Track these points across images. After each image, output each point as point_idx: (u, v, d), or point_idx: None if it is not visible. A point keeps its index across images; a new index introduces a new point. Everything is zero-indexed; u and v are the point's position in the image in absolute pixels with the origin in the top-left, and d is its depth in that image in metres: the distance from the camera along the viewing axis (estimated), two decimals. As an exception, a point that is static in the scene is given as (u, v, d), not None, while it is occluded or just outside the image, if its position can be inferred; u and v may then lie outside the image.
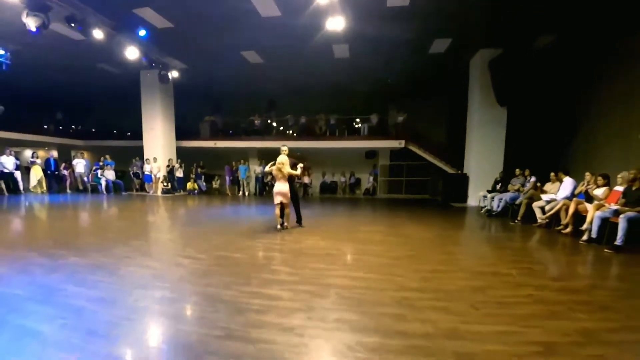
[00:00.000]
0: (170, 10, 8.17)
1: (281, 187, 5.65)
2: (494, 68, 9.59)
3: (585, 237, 4.88)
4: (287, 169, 5.67)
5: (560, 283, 3.24)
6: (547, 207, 6.00)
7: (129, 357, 2.00)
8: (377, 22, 8.54)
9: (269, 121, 15.37)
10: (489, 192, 8.49)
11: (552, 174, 6.48)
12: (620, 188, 4.93)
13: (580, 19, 7.57)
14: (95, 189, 12.34)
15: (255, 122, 15.12)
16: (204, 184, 14.03)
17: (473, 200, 10.26)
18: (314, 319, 2.48)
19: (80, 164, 12.14)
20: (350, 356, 1.99)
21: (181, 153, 14.27)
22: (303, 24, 8.60)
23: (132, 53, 8.88)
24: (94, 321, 2.42)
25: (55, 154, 12.67)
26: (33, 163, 11.10)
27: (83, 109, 16.21)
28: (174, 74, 11.07)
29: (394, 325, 2.38)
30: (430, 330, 2.30)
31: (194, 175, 13.60)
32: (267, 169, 5.95)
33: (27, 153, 11.90)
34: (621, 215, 4.41)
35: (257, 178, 14.00)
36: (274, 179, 5.88)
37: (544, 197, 6.28)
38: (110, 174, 12.50)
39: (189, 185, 13.33)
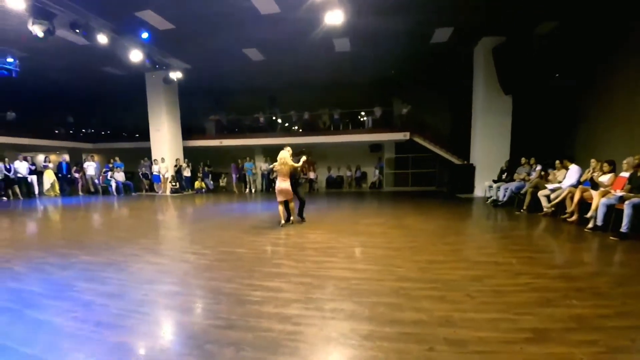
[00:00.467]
0: (170, 12, 8.27)
1: (282, 185, 5.71)
2: (497, 56, 9.43)
3: (590, 225, 4.82)
4: (289, 162, 5.72)
5: (559, 271, 3.25)
6: (552, 196, 5.93)
7: (135, 346, 2.11)
8: (377, 13, 8.47)
9: (273, 118, 15.45)
10: (494, 182, 8.42)
11: (558, 161, 6.38)
12: (626, 174, 4.84)
13: (583, 4, 7.37)
14: (106, 191, 12.68)
15: (260, 119, 15.24)
16: (212, 182, 14.24)
17: (480, 190, 10.18)
18: (311, 308, 2.56)
19: (90, 167, 12.48)
20: (343, 343, 2.06)
21: (188, 152, 14.51)
22: (302, 19, 8.60)
23: (135, 56, 9.03)
24: (102, 314, 2.57)
25: (67, 157, 13.01)
26: (46, 167, 11.47)
27: (91, 112, 16.57)
28: (177, 75, 11.22)
29: (388, 314, 2.44)
30: (424, 318, 2.35)
31: (201, 174, 13.82)
32: (272, 166, 6.06)
33: (40, 158, 12.27)
34: (626, 202, 4.35)
35: (263, 174, 14.14)
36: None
37: (549, 185, 6.19)
38: (119, 176, 12.82)
39: (197, 184, 13.56)
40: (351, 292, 2.87)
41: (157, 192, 12.88)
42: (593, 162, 5.55)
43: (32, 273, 3.56)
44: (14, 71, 8.70)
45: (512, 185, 7.35)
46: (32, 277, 3.44)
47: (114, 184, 12.51)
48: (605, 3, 7.17)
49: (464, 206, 8.49)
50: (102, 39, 7.71)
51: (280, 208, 5.84)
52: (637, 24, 7.22)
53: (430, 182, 14.70)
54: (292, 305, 2.62)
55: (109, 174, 12.61)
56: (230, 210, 8.60)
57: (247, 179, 13.77)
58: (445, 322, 2.29)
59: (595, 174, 5.32)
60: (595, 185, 5.26)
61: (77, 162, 13.23)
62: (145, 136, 13.52)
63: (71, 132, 15.17)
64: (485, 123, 10.39)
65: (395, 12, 8.38)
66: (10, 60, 8.71)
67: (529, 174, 7.30)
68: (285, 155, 5.74)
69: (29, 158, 11.46)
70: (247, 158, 14.02)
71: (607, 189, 4.87)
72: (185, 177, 13.36)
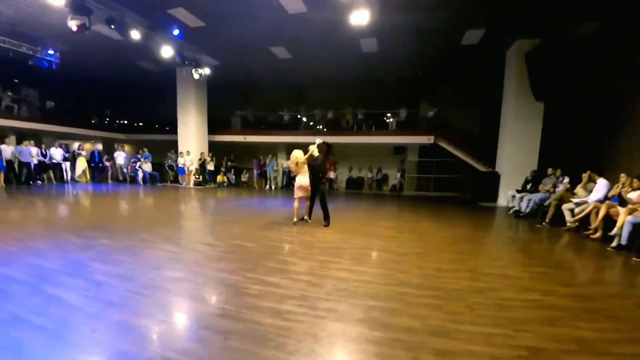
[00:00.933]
0: (201, 9, 8.58)
1: (301, 181, 5.65)
2: (531, 60, 8.95)
3: (614, 244, 4.49)
4: (301, 159, 5.60)
5: (572, 289, 3.05)
6: (576, 210, 5.56)
7: (135, 324, 2.25)
8: (405, 13, 8.31)
9: (298, 116, 15.59)
10: (518, 192, 8.03)
11: (585, 174, 5.97)
12: (659, 192, 4.47)
13: (628, 3, 6.80)
14: (133, 180, 13.39)
15: (284, 116, 15.44)
16: (233, 177, 14.62)
17: (503, 200, 9.74)
18: (304, 306, 2.59)
19: (120, 156, 13.23)
20: (329, 343, 2.07)
21: (213, 146, 14.97)
22: (329, 18, 8.62)
23: (167, 52, 9.44)
24: (112, 294, 2.75)
25: (99, 146, 13.87)
26: (79, 155, 12.29)
27: (125, 104, 17.51)
28: (206, 71, 11.60)
29: (381, 318, 2.42)
30: (417, 325, 2.31)
31: (224, 169, 14.23)
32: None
33: (75, 145, 13.16)
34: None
35: (284, 172, 14.33)
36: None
37: (575, 199, 5.82)
38: (147, 166, 13.48)
39: (219, 178, 13.97)
40: (348, 293, 2.87)
41: (181, 184, 13.42)
42: (623, 177, 5.14)
43: (54, 251, 3.85)
44: (54, 63, 9.38)
45: (536, 197, 6.97)
46: (53, 255, 3.73)
47: (140, 174, 13.18)
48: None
49: (484, 215, 8.16)
50: (135, 34, 8.13)
51: (296, 205, 5.83)
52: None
53: (453, 188, 14.24)
54: (287, 302, 2.66)
55: (137, 164, 13.30)
56: (248, 205, 8.81)
57: (268, 175, 14.02)
58: (438, 331, 2.23)
59: (624, 190, 4.93)
60: (623, 201, 4.87)
61: (108, 151, 14.05)
62: (174, 129, 14.12)
63: (106, 122, 16.13)
64: (513, 130, 9.92)
65: (425, 12, 8.18)
66: (51, 52, 9.38)
67: (554, 186, 6.89)
68: (296, 154, 5.66)
69: (63, 145, 12.32)
70: (270, 156, 14.25)
71: (635, 207, 4.51)
72: (209, 170, 13.81)
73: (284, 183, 14.35)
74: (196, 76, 11.15)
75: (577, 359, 1.93)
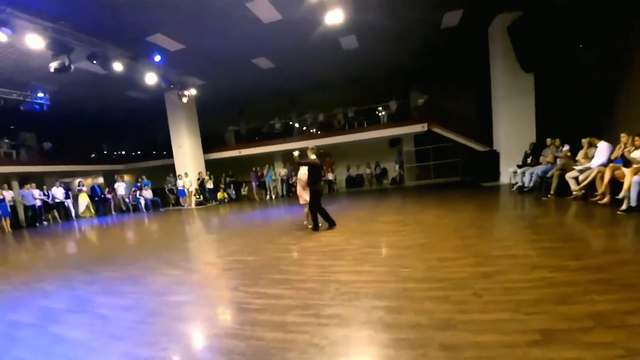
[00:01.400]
0: (179, 33, 8.63)
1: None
2: (513, 33, 8.84)
3: (624, 206, 4.34)
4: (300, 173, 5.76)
5: (583, 262, 2.94)
6: (581, 177, 5.42)
7: (138, 355, 2.22)
8: (378, 6, 8.28)
9: (289, 123, 15.58)
10: (519, 167, 7.88)
11: (585, 139, 5.83)
12: (664, 147, 4.33)
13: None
14: (136, 208, 13.46)
15: (276, 125, 15.43)
16: (233, 191, 14.62)
17: (506, 177, 9.59)
18: (308, 315, 2.52)
19: (121, 187, 13.32)
20: (331, 351, 2.00)
21: (210, 164, 15.00)
22: (305, 23, 8.63)
23: (151, 78, 9.49)
24: (115, 326, 2.74)
25: (100, 180, 13.96)
26: (80, 191, 12.39)
27: (121, 135, 17.66)
28: (192, 92, 11.64)
29: (386, 318, 2.35)
30: (423, 321, 2.23)
31: (223, 185, 14.23)
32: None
33: (76, 182, 13.25)
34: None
35: (282, 180, 14.30)
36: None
37: (578, 166, 5.68)
38: (147, 193, 13.56)
39: (219, 194, 13.98)
40: (351, 296, 2.79)
41: (183, 206, 13.44)
42: (623, 136, 4.98)
43: (61, 290, 3.85)
44: (45, 105, 9.49)
45: (538, 169, 6.83)
46: (60, 293, 3.72)
47: (142, 202, 13.25)
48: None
49: (487, 195, 8.04)
50: (118, 66, 8.17)
51: (306, 210, 5.90)
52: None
53: (455, 172, 14.09)
54: (290, 313, 2.59)
55: (138, 192, 13.36)
56: (248, 219, 8.77)
57: (267, 186, 13.99)
58: (444, 325, 2.15)
59: (627, 150, 4.78)
60: (627, 162, 4.73)
61: (109, 183, 14.15)
62: (170, 153, 14.18)
63: (104, 154, 16.27)
64: (506, 105, 9.80)
65: (398, 2, 8.15)
66: (40, 95, 9.49)
67: (555, 156, 6.75)
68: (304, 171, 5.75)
69: (63, 184, 12.44)
70: (267, 166, 14.24)
71: (640, 166, 4.38)
72: (209, 188, 13.84)
73: (284, 191, 14.31)
74: (184, 100, 11.19)
75: (595, 337, 1.82)
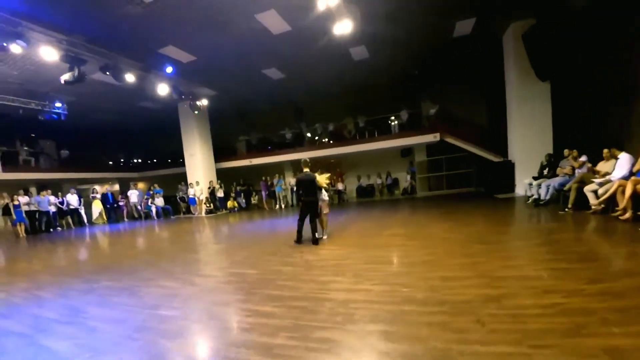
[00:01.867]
0: (190, 44, 8.82)
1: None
2: (528, 41, 8.58)
3: (648, 224, 4.01)
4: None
5: (601, 285, 2.67)
6: (600, 191, 5.07)
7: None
8: (388, 16, 8.23)
9: (299, 132, 15.61)
10: (534, 178, 7.52)
11: (606, 150, 5.48)
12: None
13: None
14: (148, 216, 13.69)
15: (286, 135, 15.50)
16: (244, 200, 14.66)
17: (521, 189, 9.19)
18: (296, 338, 2.37)
19: (134, 195, 13.59)
20: (315, 383, 1.84)
21: (221, 173, 15.15)
22: (314, 33, 8.66)
23: (163, 89, 9.71)
24: (101, 340, 2.67)
25: (116, 187, 14.30)
26: (94, 198, 12.71)
27: (136, 144, 18.14)
28: (204, 102, 11.85)
29: (379, 346, 2.18)
30: (417, 351, 2.04)
31: (233, 194, 14.30)
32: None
33: (96, 188, 13.63)
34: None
35: (292, 189, 14.24)
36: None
37: (597, 179, 5.33)
38: (159, 201, 13.78)
39: (229, 203, 14.04)
40: (346, 317, 2.63)
41: (194, 214, 13.55)
42: (648, 148, 4.67)
43: (57, 299, 3.83)
44: (62, 114, 9.84)
45: (555, 182, 6.48)
46: (54, 303, 3.70)
47: (154, 209, 13.46)
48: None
49: (500, 208, 7.68)
50: (130, 78, 8.40)
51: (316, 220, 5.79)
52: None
53: (468, 183, 13.69)
54: (278, 334, 2.45)
55: (150, 200, 13.59)
56: (255, 229, 8.69)
57: (277, 195, 13.96)
58: (441, 356, 1.96)
59: (651, 163, 4.46)
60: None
61: (122, 190, 14.47)
62: (182, 162, 14.41)
63: (121, 163, 16.74)
64: (521, 114, 9.47)
65: (408, 12, 8.07)
66: (58, 104, 9.86)
67: (572, 167, 6.38)
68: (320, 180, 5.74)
69: (77, 191, 12.80)
70: (277, 175, 14.24)
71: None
72: (219, 197, 13.92)
73: (294, 201, 14.23)
74: (196, 108, 11.39)
75: (608, 378, 1.61)
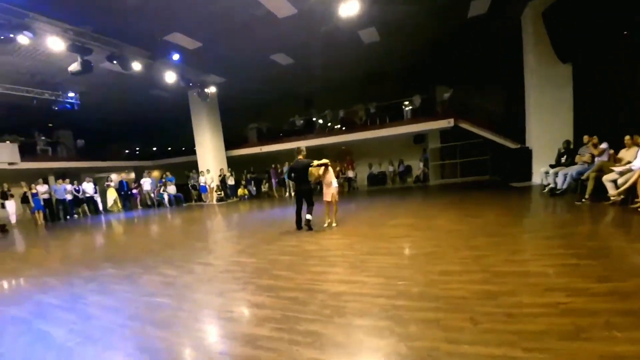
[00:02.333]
0: (196, 31, 8.70)
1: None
2: (549, 19, 7.99)
3: (671, 218, 3.71)
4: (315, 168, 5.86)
5: (609, 285, 2.48)
6: (620, 180, 4.73)
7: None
8: (399, -5, 7.82)
9: (312, 119, 15.43)
10: (551, 166, 7.13)
11: (627, 137, 5.07)
12: None
13: None
14: (160, 203, 14.02)
15: (297, 122, 15.35)
16: (254, 188, 14.75)
17: (538, 177, 8.78)
18: (282, 329, 2.34)
19: (147, 183, 13.91)
20: (292, 380, 1.80)
21: (232, 161, 15.23)
22: (320, 16, 8.36)
23: (170, 77, 9.71)
24: (95, 327, 2.74)
25: (132, 175, 14.65)
26: (108, 186, 13.12)
27: (149, 133, 18.45)
28: (212, 90, 11.81)
29: (364, 342, 2.11)
30: (402, 350, 1.96)
31: (244, 182, 14.40)
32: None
33: (111, 177, 14.05)
34: None
35: (284, 178, 14.16)
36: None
37: (617, 168, 4.96)
38: (171, 189, 14.05)
39: (240, 191, 14.15)
40: (335, 310, 2.57)
41: (205, 202, 13.76)
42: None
43: (61, 286, 3.96)
44: (75, 104, 10.04)
45: (573, 170, 6.11)
46: (59, 290, 3.83)
47: (166, 197, 13.76)
48: None
49: (514, 197, 7.37)
50: (137, 66, 8.41)
51: (325, 209, 5.93)
52: None
53: (483, 171, 13.21)
54: (265, 325, 2.43)
55: (162, 188, 13.87)
56: (264, 217, 8.74)
57: (287, 183, 13.94)
58: (426, 356, 1.87)
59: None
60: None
61: (135, 179, 14.82)
62: (194, 150, 14.56)
63: (137, 152, 17.12)
64: (540, 99, 8.94)
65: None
66: (71, 94, 10.05)
67: (593, 156, 5.98)
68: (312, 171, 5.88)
69: (92, 179, 13.21)
70: (286, 163, 14.17)
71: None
72: (230, 185, 14.04)
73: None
74: (204, 95, 11.38)
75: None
